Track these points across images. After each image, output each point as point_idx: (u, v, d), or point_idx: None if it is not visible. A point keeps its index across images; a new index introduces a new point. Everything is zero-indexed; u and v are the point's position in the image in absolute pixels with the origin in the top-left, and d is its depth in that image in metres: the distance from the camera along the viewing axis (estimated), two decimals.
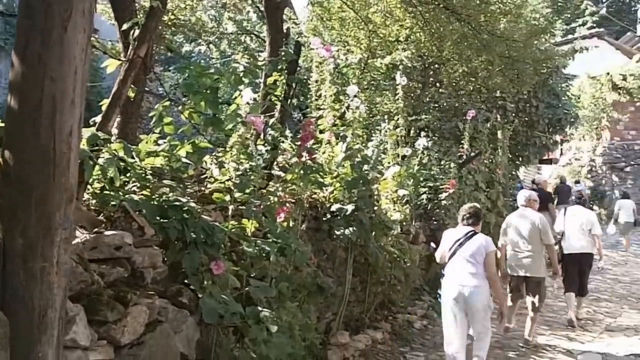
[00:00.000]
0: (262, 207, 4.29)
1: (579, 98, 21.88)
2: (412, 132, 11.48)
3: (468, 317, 5.80)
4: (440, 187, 9.58)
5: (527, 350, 7.24)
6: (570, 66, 15.36)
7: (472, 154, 11.04)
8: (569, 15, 37.18)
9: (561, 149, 25.44)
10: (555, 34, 18.19)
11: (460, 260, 5.84)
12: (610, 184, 21.45)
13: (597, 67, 22.70)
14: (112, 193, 3.40)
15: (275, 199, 4.61)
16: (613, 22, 35.16)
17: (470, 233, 5.97)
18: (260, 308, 3.64)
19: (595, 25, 33.20)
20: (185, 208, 3.43)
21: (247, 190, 4.15)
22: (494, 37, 9.22)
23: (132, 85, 3.78)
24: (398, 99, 9.87)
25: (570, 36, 25.47)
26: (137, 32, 3.70)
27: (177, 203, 3.42)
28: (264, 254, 4.04)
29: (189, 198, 3.77)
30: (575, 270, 8.68)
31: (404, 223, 8.25)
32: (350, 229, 6.12)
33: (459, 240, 5.95)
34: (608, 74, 22.60)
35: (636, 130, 22.68)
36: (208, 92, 4.31)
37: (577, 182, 21.15)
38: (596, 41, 24.09)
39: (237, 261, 4.07)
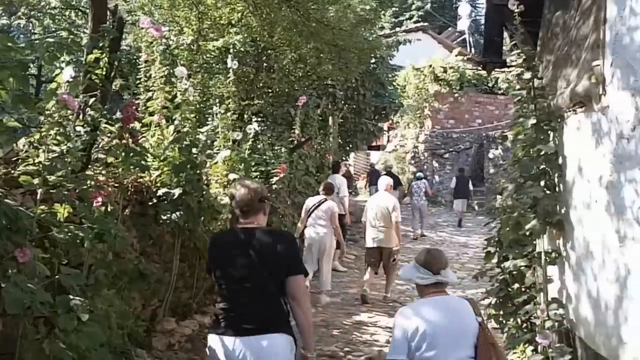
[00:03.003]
0: (77, 191, 4.07)
1: (404, 88, 23.08)
2: (245, 116, 11.50)
3: (318, 255, 9.04)
4: (272, 171, 9.67)
5: (350, 327, 7.59)
6: (397, 57, 16.17)
7: (303, 139, 11.26)
8: (397, 9, 39.06)
9: (388, 136, 26.75)
10: (385, 26, 19.04)
11: (316, 216, 9.12)
12: (431, 169, 22.88)
13: (422, 60, 24.10)
14: None
15: (92, 182, 4.38)
16: (436, 17, 37.46)
17: (323, 200, 9.26)
18: (72, 297, 3.47)
19: (420, 19, 35.16)
20: None
21: (60, 173, 3.92)
22: (322, 25, 9.45)
23: None
24: (230, 83, 9.84)
25: (398, 29, 26.80)
26: None
27: None
28: (78, 241, 3.84)
29: None
30: None
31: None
32: (178, 213, 6.00)
33: (314, 204, 9.22)
34: (431, 66, 24.03)
35: (455, 120, 24.36)
36: (16, 67, 4.01)
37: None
38: (421, 34, 25.57)
39: (49, 248, 3.84)
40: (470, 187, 18.43)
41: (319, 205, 9.13)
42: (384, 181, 9.93)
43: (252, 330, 3.42)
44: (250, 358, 3.38)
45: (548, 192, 5.33)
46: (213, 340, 3.53)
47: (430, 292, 3.58)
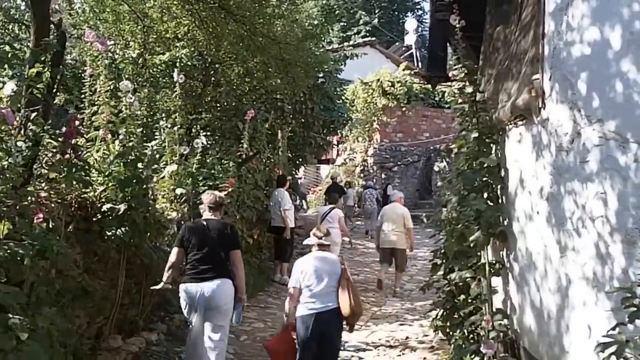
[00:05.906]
0: (17, 207, 3.97)
1: (353, 102, 23.24)
2: (193, 130, 11.40)
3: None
4: (220, 185, 9.58)
5: None
6: (345, 72, 16.29)
7: (252, 153, 11.22)
8: (345, 24, 39.46)
9: (338, 150, 26.88)
10: (333, 40, 19.20)
11: (327, 220, 11.35)
12: (380, 182, 23.05)
13: (370, 74, 24.33)
14: None
15: (33, 198, 4.28)
16: (384, 32, 37.95)
17: (331, 207, 11.94)
18: (11, 315, 3.37)
19: (368, 34, 35.54)
20: None
21: None
22: (268, 40, 9.46)
23: None
24: (176, 97, 9.76)
25: (345, 43, 27.03)
26: None
27: None
28: (18, 258, 3.74)
29: None
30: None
31: (182, 222, 8.13)
32: (123, 229, 5.91)
33: (325, 212, 11.80)
34: (379, 80, 24.25)
35: (402, 133, 24.63)
36: None
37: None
38: (368, 49, 25.82)
39: None
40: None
41: (329, 212, 11.77)
42: (397, 195, 12.25)
43: (210, 278, 5.70)
44: (207, 294, 5.64)
45: (491, 203, 5.42)
46: (184, 286, 5.79)
47: (315, 249, 6.03)
